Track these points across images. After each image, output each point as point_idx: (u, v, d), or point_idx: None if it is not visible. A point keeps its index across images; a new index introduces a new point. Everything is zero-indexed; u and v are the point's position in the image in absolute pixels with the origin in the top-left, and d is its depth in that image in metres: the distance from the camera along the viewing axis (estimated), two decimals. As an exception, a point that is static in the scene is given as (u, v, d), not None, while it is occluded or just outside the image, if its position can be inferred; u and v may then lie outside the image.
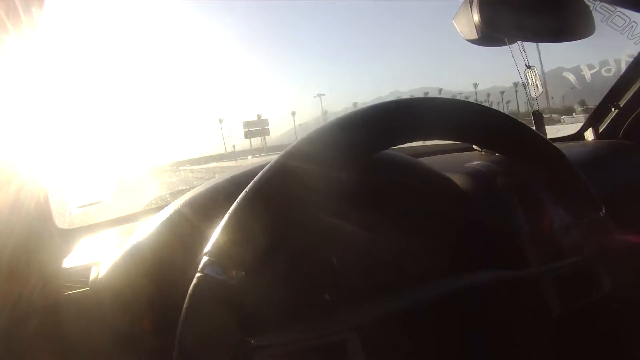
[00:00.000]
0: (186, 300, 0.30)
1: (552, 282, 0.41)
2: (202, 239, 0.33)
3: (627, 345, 0.44)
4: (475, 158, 0.60)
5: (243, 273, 0.31)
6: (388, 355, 0.34)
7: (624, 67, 0.96)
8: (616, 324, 0.44)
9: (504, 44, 0.66)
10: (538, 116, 0.82)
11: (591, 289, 0.43)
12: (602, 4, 0.69)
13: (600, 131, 1.01)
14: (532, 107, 0.82)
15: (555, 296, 0.40)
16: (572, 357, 0.42)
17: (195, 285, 0.30)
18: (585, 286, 0.43)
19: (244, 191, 0.34)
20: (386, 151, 0.48)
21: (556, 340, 0.40)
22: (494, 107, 0.50)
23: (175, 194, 0.57)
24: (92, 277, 0.49)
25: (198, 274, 0.31)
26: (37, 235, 0.49)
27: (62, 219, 0.61)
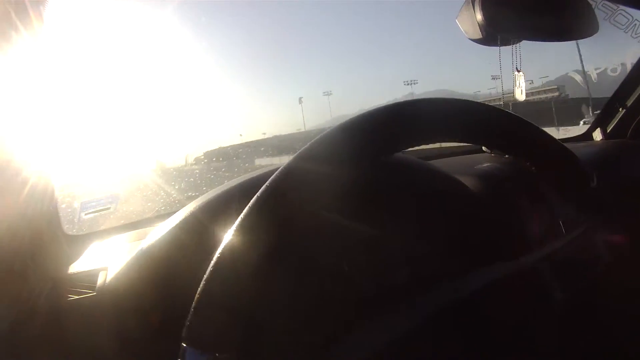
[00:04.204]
0: None
1: (552, 266, 0.41)
2: (213, 246, 0.32)
3: (628, 330, 0.43)
4: (486, 160, 0.60)
5: (226, 355, 0.29)
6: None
7: (629, 67, 0.95)
8: (617, 309, 0.43)
9: (508, 44, 0.66)
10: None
11: (590, 266, 0.42)
12: (604, 2, 0.69)
13: (608, 131, 1.00)
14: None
15: (555, 280, 0.40)
16: (578, 344, 0.41)
17: None
18: (585, 263, 0.42)
19: (256, 196, 0.33)
20: (396, 154, 0.48)
21: (562, 327, 0.39)
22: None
23: (188, 199, 0.57)
24: (99, 282, 0.48)
25: None
26: (44, 241, 0.50)
27: (70, 226, 0.61)
